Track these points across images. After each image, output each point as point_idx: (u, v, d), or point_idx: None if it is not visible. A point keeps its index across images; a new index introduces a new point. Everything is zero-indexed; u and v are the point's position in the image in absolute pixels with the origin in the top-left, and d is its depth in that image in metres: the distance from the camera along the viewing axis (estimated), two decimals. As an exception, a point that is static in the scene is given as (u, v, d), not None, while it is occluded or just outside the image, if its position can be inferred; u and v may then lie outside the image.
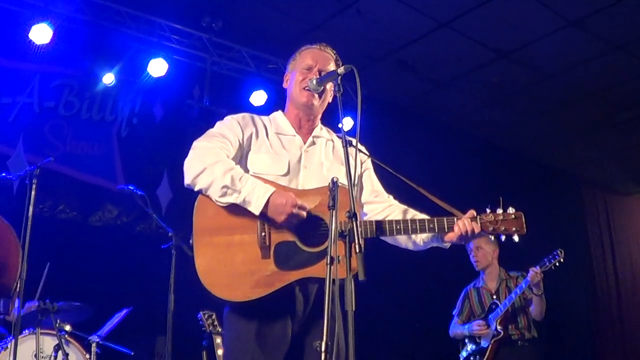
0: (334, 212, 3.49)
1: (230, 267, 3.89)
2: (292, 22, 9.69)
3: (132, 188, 7.24)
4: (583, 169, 14.58)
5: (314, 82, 4.18)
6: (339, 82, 3.94)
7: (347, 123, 9.80)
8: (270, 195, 3.86)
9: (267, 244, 3.90)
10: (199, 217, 4.01)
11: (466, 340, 8.30)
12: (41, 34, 8.72)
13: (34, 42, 8.79)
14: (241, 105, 9.57)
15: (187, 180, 4.02)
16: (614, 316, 14.63)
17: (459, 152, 11.95)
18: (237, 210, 3.92)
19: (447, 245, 4.22)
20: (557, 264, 7.84)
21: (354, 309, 3.29)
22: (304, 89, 4.30)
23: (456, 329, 8.43)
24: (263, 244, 3.90)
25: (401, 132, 11.26)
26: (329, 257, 3.38)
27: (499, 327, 7.93)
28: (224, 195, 3.88)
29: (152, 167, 10.15)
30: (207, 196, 3.98)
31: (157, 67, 9.56)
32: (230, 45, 10.22)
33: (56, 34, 8.82)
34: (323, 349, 3.28)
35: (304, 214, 3.87)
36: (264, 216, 3.89)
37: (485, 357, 7.96)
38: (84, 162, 9.62)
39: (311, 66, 4.36)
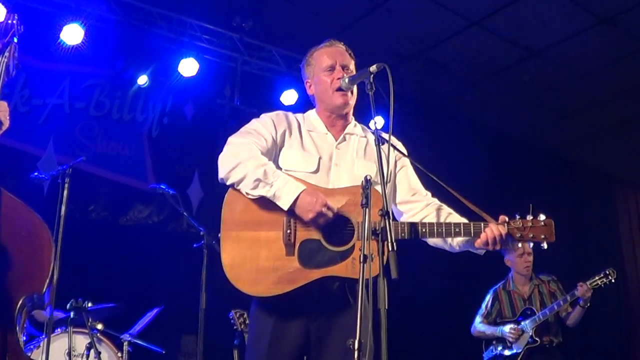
0: (367, 210, 3.49)
1: (255, 263, 3.93)
2: (322, 22, 9.69)
3: (163, 187, 7.27)
4: (615, 168, 14.46)
5: (347, 80, 4.18)
6: (371, 80, 3.92)
7: (378, 122, 9.78)
8: (301, 193, 3.88)
9: (291, 241, 3.92)
10: (228, 212, 4.05)
11: (494, 342, 8.26)
12: (72, 34, 8.76)
13: (65, 43, 8.83)
14: (272, 105, 9.57)
15: (221, 174, 4.06)
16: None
17: (490, 151, 11.90)
18: (265, 206, 3.96)
19: (481, 252, 4.19)
20: (608, 283, 7.89)
21: (386, 307, 3.28)
22: (336, 90, 4.30)
23: (483, 328, 8.37)
24: (288, 241, 3.92)
25: (431, 131, 11.22)
26: (362, 255, 3.38)
27: (535, 336, 7.92)
28: (255, 187, 3.92)
29: (182, 166, 10.19)
30: (237, 190, 4.02)
31: (188, 67, 9.58)
32: (261, 44, 10.24)
33: (87, 34, 8.86)
34: (356, 347, 3.28)
35: (331, 214, 3.89)
36: (291, 213, 3.91)
37: None
38: (115, 163, 9.66)
39: (332, 65, 4.37)
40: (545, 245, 4.02)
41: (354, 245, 3.88)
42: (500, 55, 10.59)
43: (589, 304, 7.91)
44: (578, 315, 8.02)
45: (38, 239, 3.61)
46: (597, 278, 7.86)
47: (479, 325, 8.41)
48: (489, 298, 8.48)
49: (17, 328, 3.51)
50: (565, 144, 13.28)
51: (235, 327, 6.81)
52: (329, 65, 4.37)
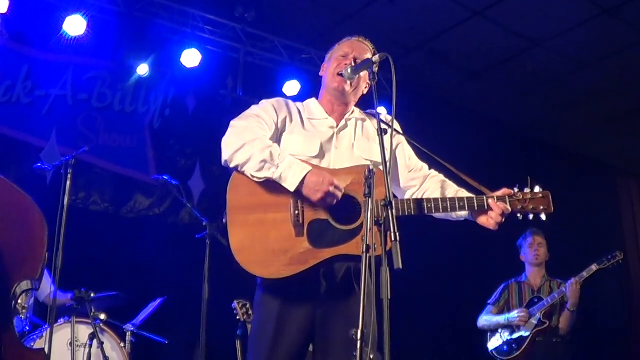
0: (369, 200, 3.49)
1: (264, 245, 3.92)
2: (325, 12, 9.68)
3: (166, 178, 7.28)
4: (618, 159, 14.43)
5: (349, 70, 4.21)
6: (374, 70, 3.96)
7: (381, 112, 9.78)
8: (307, 174, 3.89)
9: (300, 222, 3.93)
10: (233, 195, 4.04)
11: (500, 330, 8.27)
12: (75, 25, 8.76)
13: (67, 34, 8.83)
14: (274, 96, 9.48)
15: (225, 156, 4.06)
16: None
17: (492, 143, 11.89)
18: (271, 188, 3.96)
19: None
20: (616, 264, 8.03)
21: (389, 297, 3.28)
22: (337, 74, 4.33)
23: (490, 317, 8.38)
24: (296, 222, 3.92)
25: (433, 121, 11.19)
26: (364, 245, 3.38)
27: (543, 319, 7.95)
28: (260, 169, 3.92)
29: (184, 158, 10.18)
30: (242, 173, 4.02)
31: (191, 58, 9.56)
32: (264, 35, 10.20)
33: (90, 25, 8.85)
34: (359, 337, 3.28)
35: (340, 194, 3.90)
36: (298, 194, 3.92)
37: (525, 345, 7.97)
38: (117, 154, 9.67)
39: (347, 54, 4.39)
40: (544, 217, 4.09)
41: (362, 224, 3.86)
42: (503, 46, 10.56)
43: (574, 308, 7.93)
44: (567, 320, 8.04)
45: (29, 220, 3.51)
46: (604, 259, 7.94)
47: (487, 315, 8.43)
48: (500, 289, 8.52)
49: (13, 317, 3.45)
50: (568, 135, 13.26)
51: (237, 318, 6.82)
52: (345, 52, 4.40)
